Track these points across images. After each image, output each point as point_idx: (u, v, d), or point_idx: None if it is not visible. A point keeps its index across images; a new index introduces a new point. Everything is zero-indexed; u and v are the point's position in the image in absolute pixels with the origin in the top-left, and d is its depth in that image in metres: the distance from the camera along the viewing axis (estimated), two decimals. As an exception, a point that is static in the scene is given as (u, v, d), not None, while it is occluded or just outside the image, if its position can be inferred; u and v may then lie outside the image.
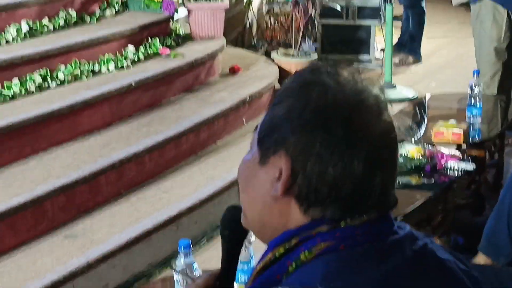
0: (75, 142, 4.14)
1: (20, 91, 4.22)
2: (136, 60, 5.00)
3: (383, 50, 6.81)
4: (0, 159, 3.79)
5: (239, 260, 1.42)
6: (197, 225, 3.88)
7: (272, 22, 7.17)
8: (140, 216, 3.66)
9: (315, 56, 6.38)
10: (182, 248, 2.06)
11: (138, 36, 5.23)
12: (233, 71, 5.61)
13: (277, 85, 5.62)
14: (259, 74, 5.62)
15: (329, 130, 1.12)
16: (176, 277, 2.05)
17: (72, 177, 3.67)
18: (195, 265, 2.08)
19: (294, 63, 6.17)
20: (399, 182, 3.27)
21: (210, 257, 3.62)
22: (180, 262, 2.06)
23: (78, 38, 4.79)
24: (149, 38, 5.27)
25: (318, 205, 1.14)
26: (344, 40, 7.08)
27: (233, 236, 1.38)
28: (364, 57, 7.15)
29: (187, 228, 3.80)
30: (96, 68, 4.74)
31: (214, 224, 3.95)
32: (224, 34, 5.86)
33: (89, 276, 3.26)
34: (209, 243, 3.82)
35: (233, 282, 1.41)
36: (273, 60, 6.16)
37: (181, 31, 5.76)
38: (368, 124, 1.14)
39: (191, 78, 5.20)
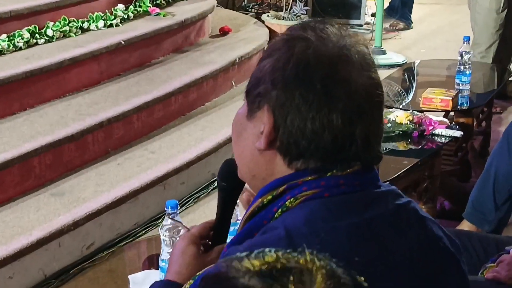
0: (63, 99, 4.12)
1: (8, 46, 4.19)
2: (126, 18, 4.95)
3: (374, 15, 6.78)
4: (-13, 115, 3.78)
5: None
6: (184, 186, 3.89)
7: (263, -16, 7.13)
8: (127, 176, 3.66)
9: (306, 19, 6.34)
10: (169, 209, 2.06)
11: (128, -6, 5.18)
12: (223, 32, 5.58)
13: (267, 48, 5.60)
14: (249, 36, 5.59)
15: (308, 84, 1.15)
16: (162, 237, 2.06)
17: (60, 135, 3.65)
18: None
19: (284, 25, 6.14)
20: (385, 148, 3.28)
21: (197, 218, 3.63)
22: (167, 222, 2.06)
23: (68, -5, 4.74)
24: (139, -4, 5.23)
25: (300, 158, 1.18)
26: (335, 3, 7.04)
27: (230, 187, 1.40)
28: (354, 21, 7.12)
29: (174, 189, 3.81)
30: (85, 25, 4.70)
31: (201, 185, 3.97)
32: (215, -5, 5.81)
33: (75, 234, 3.27)
34: (196, 204, 3.84)
35: (227, 233, 1.44)
36: (263, 22, 6.13)
37: (172, -10, 5.72)
38: (348, 78, 1.16)
39: (181, 38, 5.17)
